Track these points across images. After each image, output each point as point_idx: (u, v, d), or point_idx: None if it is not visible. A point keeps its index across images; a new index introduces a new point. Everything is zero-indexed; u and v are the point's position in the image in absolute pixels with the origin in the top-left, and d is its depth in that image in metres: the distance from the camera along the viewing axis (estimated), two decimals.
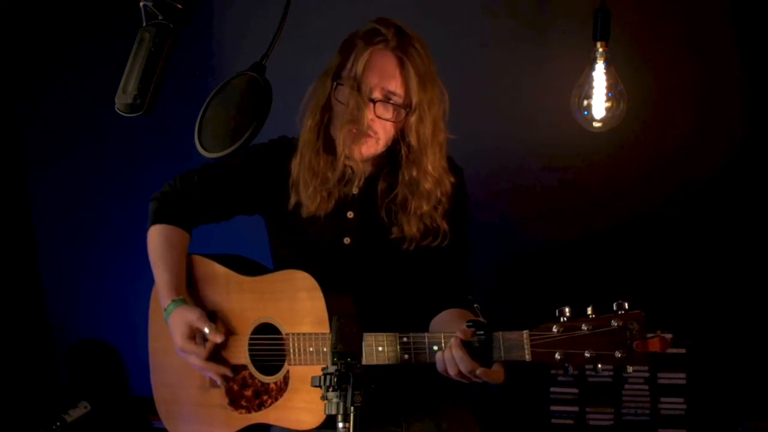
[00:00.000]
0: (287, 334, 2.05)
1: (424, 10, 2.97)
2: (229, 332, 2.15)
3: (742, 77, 3.08)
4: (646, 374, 2.99)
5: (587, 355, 1.68)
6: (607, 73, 2.76)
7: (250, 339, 2.12)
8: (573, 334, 1.69)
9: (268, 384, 2.09)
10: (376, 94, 2.02)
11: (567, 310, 1.71)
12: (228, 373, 2.13)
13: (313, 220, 2.11)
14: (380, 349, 1.89)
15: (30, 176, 3.62)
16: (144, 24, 1.56)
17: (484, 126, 3.10)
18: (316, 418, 1.95)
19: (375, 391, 1.65)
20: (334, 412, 1.61)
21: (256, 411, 2.10)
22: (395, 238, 2.10)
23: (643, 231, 3.16)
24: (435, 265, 2.12)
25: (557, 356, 1.70)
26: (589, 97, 2.78)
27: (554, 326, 1.70)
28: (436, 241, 2.10)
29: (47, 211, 3.64)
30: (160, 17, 1.54)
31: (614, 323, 1.67)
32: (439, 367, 1.84)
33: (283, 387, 2.06)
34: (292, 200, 2.12)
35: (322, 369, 1.66)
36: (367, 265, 2.12)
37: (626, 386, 3.00)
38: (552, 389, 3.04)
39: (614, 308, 1.68)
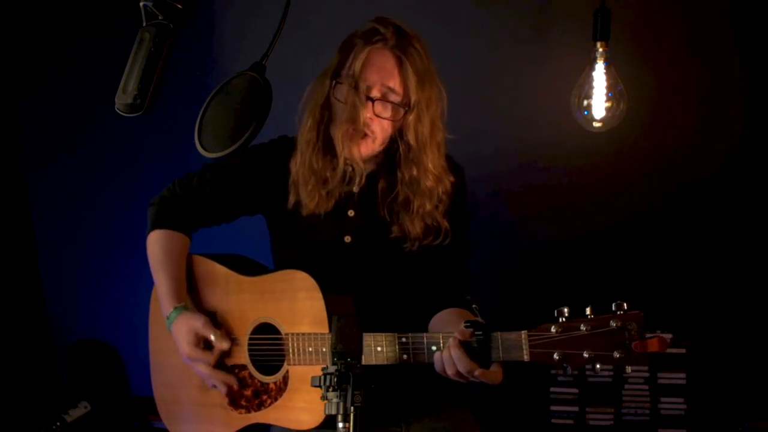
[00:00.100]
0: (287, 334, 2.05)
1: (424, 10, 2.96)
2: (229, 332, 2.15)
3: (742, 77, 3.07)
4: (646, 374, 2.98)
5: (586, 355, 1.68)
6: (607, 73, 2.76)
7: (250, 339, 2.12)
8: (571, 334, 1.69)
9: (268, 384, 2.09)
10: (375, 93, 2.02)
11: (566, 310, 1.71)
12: (234, 384, 2.12)
13: (313, 218, 2.11)
14: (379, 349, 1.89)
15: (30, 176, 3.62)
16: (144, 24, 1.56)
17: (484, 126, 3.10)
18: (315, 418, 1.95)
19: (375, 391, 1.65)
20: (334, 412, 1.61)
21: (255, 411, 2.10)
22: (396, 237, 2.10)
23: (643, 231, 3.15)
24: (435, 264, 2.12)
25: (556, 357, 1.70)
26: (589, 97, 2.78)
27: (553, 327, 1.70)
28: (437, 240, 2.10)
29: (47, 211, 3.64)
30: (160, 17, 1.54)
31: (613, 324, 1.67)
32: (438, 367, 1.84)
33: (282, 387, 2.06)
34: (292, 199, 2.12)
35: (322, 369, 1.66)
36: (368, 263, 2.12)
37: (626, 386, 2.99)
38: (552, 389, 3.04)
39: (613, 308, 1.68)
